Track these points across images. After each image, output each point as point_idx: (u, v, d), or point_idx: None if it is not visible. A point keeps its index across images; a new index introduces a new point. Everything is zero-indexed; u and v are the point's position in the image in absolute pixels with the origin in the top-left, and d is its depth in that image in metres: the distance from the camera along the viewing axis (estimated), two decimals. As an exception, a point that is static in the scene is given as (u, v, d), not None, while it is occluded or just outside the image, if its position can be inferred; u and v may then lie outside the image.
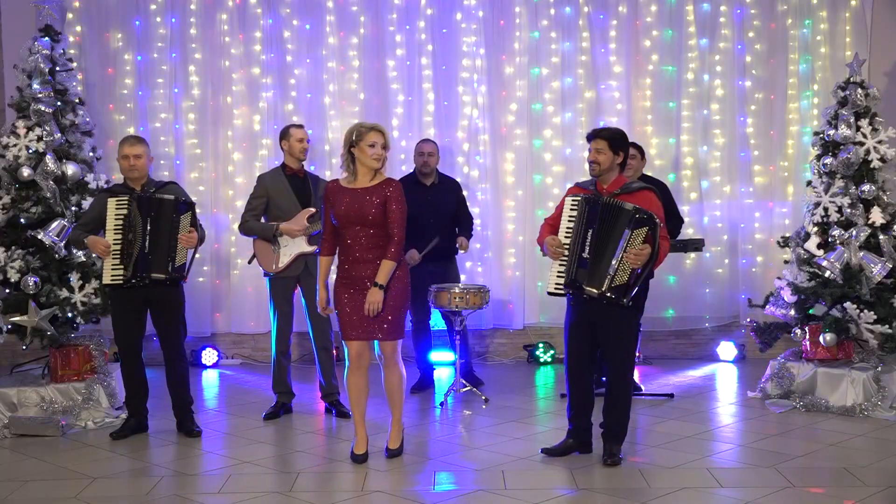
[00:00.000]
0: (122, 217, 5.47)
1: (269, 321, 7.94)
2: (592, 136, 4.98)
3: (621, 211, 4.76)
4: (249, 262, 6.33)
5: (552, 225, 5.06)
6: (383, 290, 4.82)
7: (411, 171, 6.99)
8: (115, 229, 5.48)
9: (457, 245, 6.73)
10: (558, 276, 4.93)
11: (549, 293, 5.01)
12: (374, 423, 5.69)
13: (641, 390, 6.61)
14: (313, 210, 6.01)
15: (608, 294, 4.78)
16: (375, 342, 5.00)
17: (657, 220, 4.75)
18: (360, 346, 4.99)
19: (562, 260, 4.91)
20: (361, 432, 5.08)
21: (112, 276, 5.48)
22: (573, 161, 7.96)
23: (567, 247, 4.89)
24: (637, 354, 6.83)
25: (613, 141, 4.93)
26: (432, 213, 6.65)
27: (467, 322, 6.75)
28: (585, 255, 4.82)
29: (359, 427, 5.08)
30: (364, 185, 4.90)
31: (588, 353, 5.06)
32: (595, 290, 4.81)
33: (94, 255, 6.18)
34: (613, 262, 4.75)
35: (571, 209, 4.93)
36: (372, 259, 4.89)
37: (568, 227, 4.92)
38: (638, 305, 4.97)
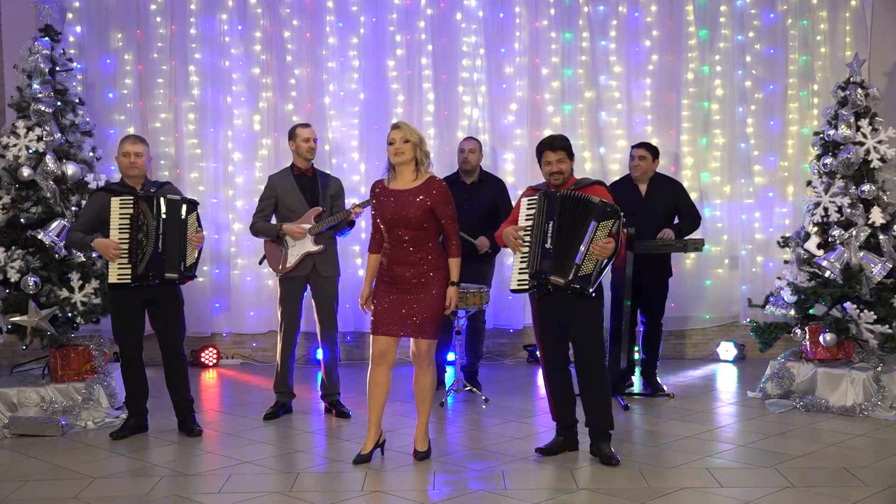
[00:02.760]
0: (127, 217, 5.47)
1: (269, 321, 8.01)
2: (553, 148, 5.00)
3: (588, 203, 4.84)
4: (260, 263, 6.33)
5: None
6: (456, 286, 4.97)
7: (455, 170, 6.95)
8: (120, 228, 5.46)
9: (476, 243, 6.55)
10: (520, 272, 4.96)
11: (513, 290, 5.05)
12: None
13: (664, 391, 6.61)
14: (321, 209, 6.02)
15: (573, 284, 4.82)
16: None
17: (622, 214, 4.85)
18: (387, 343, 4.95)
19: (522, 255, 4.96)
20: (373, 431, 5.00)
21: (119, 275, 5.46)
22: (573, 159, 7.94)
23: (528, 242, 4.93)
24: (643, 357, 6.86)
25: (570, 150, 5.08)
26: (464, 212, 6.60)
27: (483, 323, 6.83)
28: (548, 245, 4.87)
29: (371, 426, 4.99)
30: (406, 186, 4.88)
31: (562, 352, 5.08)
32: (561, 280, 4.85)
33: (94, 255, 6.17)
34: (580, 253, 4.80)
35: (529, 207, 4.99)
36: (413, 261, 4.89)
37: (527, 225, 4.96)
38: (601, 295, 5.01)
